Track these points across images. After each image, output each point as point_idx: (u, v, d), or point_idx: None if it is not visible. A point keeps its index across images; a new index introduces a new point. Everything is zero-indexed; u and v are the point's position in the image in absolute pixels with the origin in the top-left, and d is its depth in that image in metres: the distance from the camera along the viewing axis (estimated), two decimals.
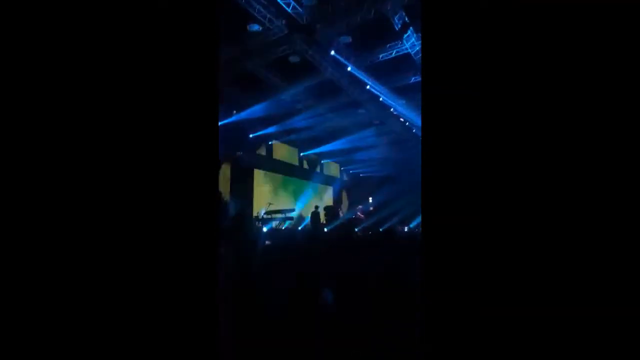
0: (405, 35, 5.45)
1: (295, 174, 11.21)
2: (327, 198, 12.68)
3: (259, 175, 9.55)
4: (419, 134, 9.61)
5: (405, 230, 9.28)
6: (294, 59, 6.13)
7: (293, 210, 9.47)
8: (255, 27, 5.31)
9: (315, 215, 8.64)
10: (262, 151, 9.73)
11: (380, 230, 7.68)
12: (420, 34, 5.43)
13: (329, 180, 13.08)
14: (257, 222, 8.01)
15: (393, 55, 6.04)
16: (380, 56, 6.13)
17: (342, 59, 5.89)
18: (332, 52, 5.70)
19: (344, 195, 13.63)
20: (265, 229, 6.85)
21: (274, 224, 8.55)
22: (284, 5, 4.74)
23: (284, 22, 5.09)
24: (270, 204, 9.21)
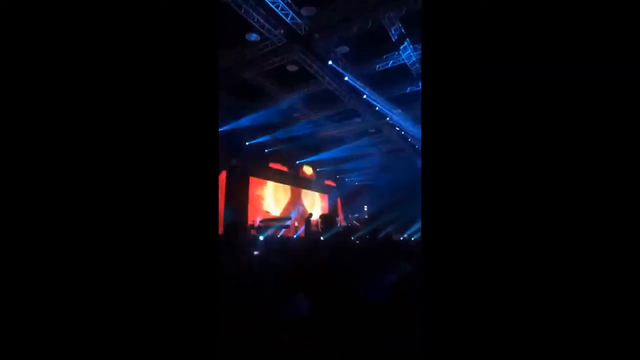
0: (402, 47, 5.56)
1: (291, 182, 11.21)
2: (324, 206, 12.66)
3: (254, 182, 9.53)
4: (414, 143, 9.71)
5: (401, 238, 9.29)
6: (291, 68, 6.20)
7: (289, 218, 9.43)
8: (254, 37, 5.38)
9: (309, 221, 8.63)
10: (259, 159, 9.73)
11: (377, 237, 7.67)
12: (416, 46, 5.55)
13: (324, 189, 13.09)
14: (252, 231, 7.96)
15: (389, 65, 6.14)
16: (377, 66, 6.23)
17: (339, 69, 5.97)
18: (330, 62, 5.78)
19: (339, 203, 13.62)
20: (261, 238, 6.80)
21: (270, 232, 8.49)
22: (282, 16, 4.80)
23: (282, 31, 5.16)
24: (266, 211, 9.18)
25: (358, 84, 6.43)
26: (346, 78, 6.20)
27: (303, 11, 4.87)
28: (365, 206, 12.94)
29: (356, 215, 11.84)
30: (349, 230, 8.60)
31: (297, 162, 11.45)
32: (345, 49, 5.78)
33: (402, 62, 5.96)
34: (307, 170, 12.17)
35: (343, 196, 13.85)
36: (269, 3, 4.54)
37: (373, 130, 9.43)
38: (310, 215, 9.00)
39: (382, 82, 6.74)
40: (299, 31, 5.15)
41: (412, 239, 9.47)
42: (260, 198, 9.66)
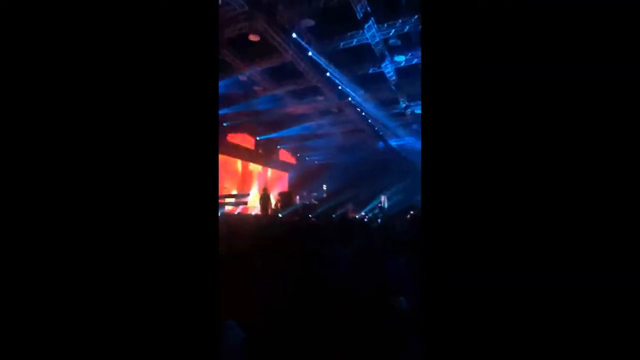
0: (367, 25, 5.52)
1: (251, 159, 10.94)
2: (283, 184, 12.60)
3: None
4: (374, 125, 9.92)
5: (357, 217, 9.62)
6: (253, 37, 5.89)
7: (247, 195, 9.28)
8: None
9: (264, 198, 8.49)
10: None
11: (334, 216, 7.87)
12: (380, 26, 5.55)
13: (284, 167, 12.99)
14: None
15: (354, 44, 6.09)
16: (342, 44, 6.15)
17: (303, 43, 5.79)
18: (294, 35, 5.58)
19: (299, 181, 13.66)
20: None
21: (226, 209, 8.31)
22: None
23: None
24: (224, 187, 8.91)
25: (322, 61, 6.32)
26: (310, 53, 6.05)
27: None
28: (325, 185, 13.13)
29: (314, 194, 11.98)
30: (307, 208, 8.71)
31: (258, 138, 11.16)
32: (310, 22, 5.60)
33: (366, 41, 5.94)
34: (268, 147, 11.93)
35: (303, 175, 13.88)
36: None
37: (335, 110, 9.44)
38: (266, 189, 8.87)
39: (346, 60, 6.69)
40: None
41: (367, 217, 9.87)
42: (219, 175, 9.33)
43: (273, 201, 8.97)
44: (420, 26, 4.89)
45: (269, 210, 8.37)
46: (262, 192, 8.72)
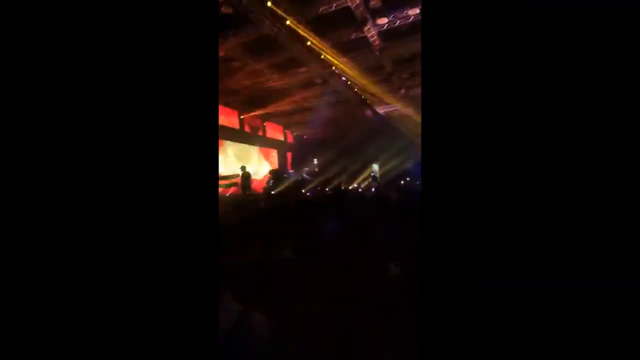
0: None
1: (237, 138, 10.71)
2: (273, 161, 12.49)
3: None
4: (360, 93, 9.72)
5: (350, 188, 9.67)
6: (225, 9, 5.53)
7: (238, 175, 9.17)
8: None
9: (245, 177, 8.37)
10: None
11: (327, 190, 7.90)
12: None
13: (272, 144, 12.80)
14: None
15: (333, 8, 5.79)
16: (320, 9, 5.84)
17: (279, 11, 5.48)
18: (269, 4, 5.25)
19: (289, 157, 13.55)
20: None
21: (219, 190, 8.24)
22: None
23: None
24: None
25: (301, 29, 6.03)
26: (288, 22, 5.74)
27: None
28: (315, 159, 13.06)
29: (306, 169, 11.94)
30: (300, 183, 8.69)
31: (241, 116, 10.87)
32: None
33: (345, 4, 5.65)
34: (253, 124, 11.67)
35: (292, 150, 13.74)
36: None
37: (319, 81, 9.17)
38: (244, 167, 8.66)
39: (326, 27, 6.39)
40: None
41: (360, 187, 9.94)
42: None
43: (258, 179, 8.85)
44: None
45: (248, 190, 8.22)
46: (242, 170, 8.56)
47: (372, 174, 10.62)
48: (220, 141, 9.87)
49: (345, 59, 7.67)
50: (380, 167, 11.48)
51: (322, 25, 6.30)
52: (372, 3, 5.79)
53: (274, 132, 13.10)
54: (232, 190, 8.67)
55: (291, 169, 11.82)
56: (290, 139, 14.06)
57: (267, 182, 8.79)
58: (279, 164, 12.52)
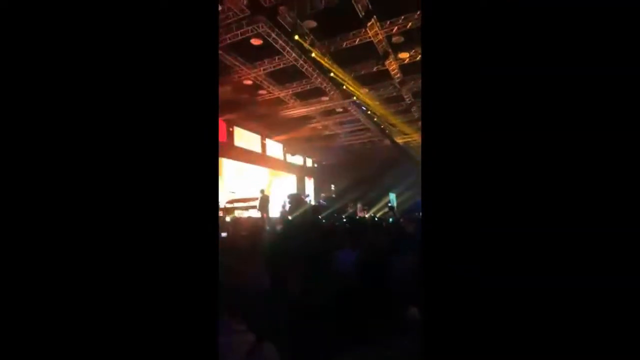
0: (369, 24, 5.49)
1: (258, 162, 10.98)
2: (292, 186, 12.63)
3: (219, 163, 9.20)
4: (381, 123, 9.86)
5: (366, 216, 9.57)
6: (256, 41, 5.91)
7: (257, 199, 9.30)
8: None
9: (263, 200, 8.34)
10: (223, 137, 9.36)
11: (344, 218, 7.84)
12: (382, 23, 5.51)
13: (291, 169, 13.01)
14: (220, 211, 7.76)
15: (356, 43, 6.06)
16: (344, 43, 6.12)
17: (306, 45, 5.79)
18: (296, 37, 5.58)
19: (307, 183, 13.67)
20: (228, 219, 6.67)
21: (237, 213, 8.35)
22: None
23: (245, 1, 4.85)
24: (232, 192, 8.96)
25: (325, 61, 6.30)
26: (313, 54, 6.04)
27: None
28: (333, 185, 13.10)
29: (323, 194, 11.97)
30: (317, 209, 8.68)
31: (264, 141, 11.20)
32: (312, 23, 5.59)
33: (368, 39, 5.91)
34: (275, 149, 11.97)
35: (311, 176, 13.88)
36: None
37: (340, 110, 9.41)
38: (263, 190, 8.62)
39: (349, 59, 6.66)
40: (263, 2, 4.88)
41: (377, 216, 9.81)
42: (225, 178, 9.40)
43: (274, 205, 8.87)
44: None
45: (266, 212, 8.19)
46: (261, 194, 8.47)
47: (389, 204, 10.51)
48: (240, 164, 10.14)
49: (365, 90, 7.89)
50: (397, 197, 11.35)
51: (345, 58, 6.58)
52: (394, 39, 6.02)
53: (294, 157, 13.36)
54: (250, 212, 8.77)
55: (309, 194, 11.87)
56: (308, 164, 14.25)
57: (283, 206, 8.81)
58: (297, 189, 12.63)
